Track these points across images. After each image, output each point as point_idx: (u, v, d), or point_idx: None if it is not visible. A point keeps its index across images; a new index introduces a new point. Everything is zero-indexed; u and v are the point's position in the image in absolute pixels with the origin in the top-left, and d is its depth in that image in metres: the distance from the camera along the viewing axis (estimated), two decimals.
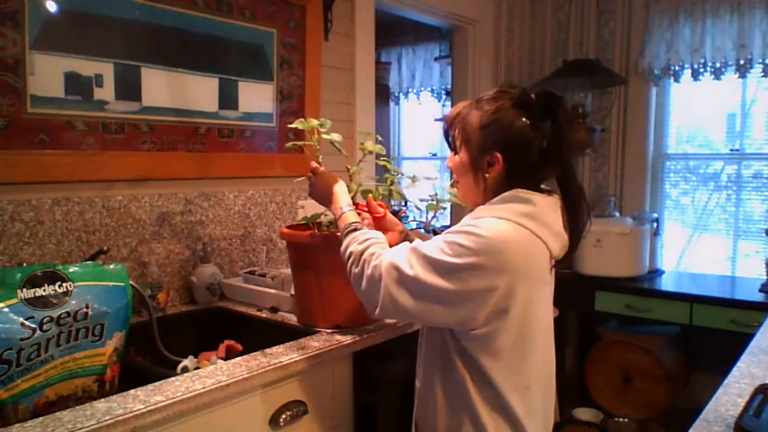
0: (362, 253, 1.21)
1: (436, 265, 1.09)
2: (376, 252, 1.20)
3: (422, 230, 1.94)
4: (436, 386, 1.20)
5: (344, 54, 2.46)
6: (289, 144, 1.65)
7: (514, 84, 1.28)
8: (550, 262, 1.15)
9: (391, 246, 1.42)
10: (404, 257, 1.14)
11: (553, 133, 1.12)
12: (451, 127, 1.23)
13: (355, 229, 1.29)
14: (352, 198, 1.48)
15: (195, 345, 1.67)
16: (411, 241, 1.45)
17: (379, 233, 1.30)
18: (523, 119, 1.13)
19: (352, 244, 1.25)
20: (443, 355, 1.18)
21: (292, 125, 1.54)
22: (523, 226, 1.09)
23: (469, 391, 1.13)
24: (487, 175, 1.17)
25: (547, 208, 1.14)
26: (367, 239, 1.25)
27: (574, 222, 1.16)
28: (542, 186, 1.19)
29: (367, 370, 1.59)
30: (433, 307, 1.11)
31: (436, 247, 1.11)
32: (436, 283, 1.08)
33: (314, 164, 1.47)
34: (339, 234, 1.33)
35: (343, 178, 1.60)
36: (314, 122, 1.50)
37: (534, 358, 1.14)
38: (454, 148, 1.24)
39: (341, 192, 1.40)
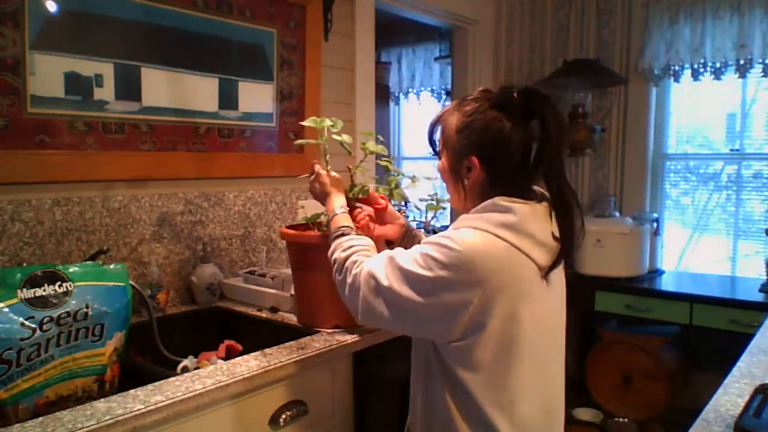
0: (345, 260, 1.21)
1: (408, 277, 1.07)
2: (358, 260, 1.19)
3: (422, 230, 1.94)
4: (419, 394, 1.19)
5: (344, 54, 2.46)
6: (298, 142, 1.67)
7: (509, 83, 1.21)
8: (538, 273, 1.07)
9: (392, 239, 1.41)
10: (381, 267, 1.12)
11: (540, 134, 1.06)
12: (434, 131, 1.20)
13: (343, 234, 1.29)
14: (354, 195, 1.47)
15: (195, 345, 1.67)
16: (413, 235, 1.45)
17: (366, 239, 1.29)
18: (503, 120, 1.07)
19: (337, 251, 1.25)
20: (426, 364, 1.16)
21: (304, 123, 1.53)
22: (500, 238, 1.04)
23: (448, 403, 1.10)
24: (466, 180, 1.13)
25: (530, 216, 1.07)
26: (351, 246, 1.24)
27: (565, 228, 1.08)
28: (535, 188, 1.14)
29: (367, 370, 1.59)
30: (407, 318, 1.09)
31: (410, 258, 1.08)
32: (409, 296, 1.06)
33: (316, 165, 1.47)
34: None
35: (344, 178, 1.60)
36: (327, 122, 1.50)
37: (520, 374, 1.08)
38: (438, 153, 1.20)
39: (336, 194, 1.40)
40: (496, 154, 1.09)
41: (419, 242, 1.43)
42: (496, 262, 1.03)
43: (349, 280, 1.18)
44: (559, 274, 1.15)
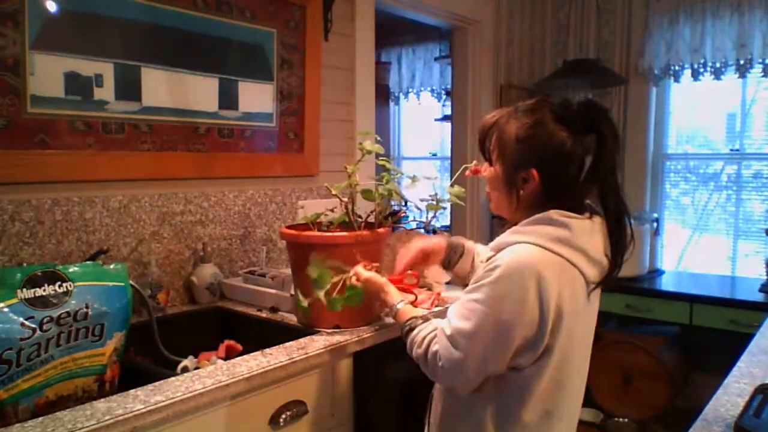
0: (425, 354, 1.16)
1: (463, 315, 1.07)
2: (435, 348, 1.15)
3: (422, 230, 1.94)
4: (446, 389, 1.19)
5: (344, 54, 2.46)
6: (334, 187, 1.55)
7: (548, 96, 1.19)
8: (586, 288, 1.08)
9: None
10: (444, 334, 1.11)
11: (597, 148, 1.05)
12: (487, 136, 1.17)
13: (411, 329, 1.22)
14: (351, 194, 1.47)
15: (195, 345, 1.67)
16: (455, 248, 1.42)
17: (432, 324, 1.22)
18: (564, 133, 1.06)
19: (413, 348, 1.20)
20: None
21: (361, 146, 1.53)
22: (554, 252, 1.04)
23: (481, 401, 1.11)
24: (521, 192, 1.11)
25: (585, 232, 1.07)
26: (423, 338, 1.18)
27: (617, 244, 1.09)
28: (587, 202, 1.13)
29: (367, 370, 1.59)
30: (487, 348, 1.06)
31: (455, 309, 1.10)
32: (475, 324, 1.06)
33: (359, 270, 1.41)
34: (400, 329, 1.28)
35: (341, 178, 1.61)
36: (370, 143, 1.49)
37: (567, 387, 1.10)
38: (489, 159, 1.18)
39: (389, 287, 1.35)
40: (556, 167, 1.08)
41: (463, 253, 1.42)
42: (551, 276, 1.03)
43: (439, 373, 1.13)
44: (597, 293, 1.14)
